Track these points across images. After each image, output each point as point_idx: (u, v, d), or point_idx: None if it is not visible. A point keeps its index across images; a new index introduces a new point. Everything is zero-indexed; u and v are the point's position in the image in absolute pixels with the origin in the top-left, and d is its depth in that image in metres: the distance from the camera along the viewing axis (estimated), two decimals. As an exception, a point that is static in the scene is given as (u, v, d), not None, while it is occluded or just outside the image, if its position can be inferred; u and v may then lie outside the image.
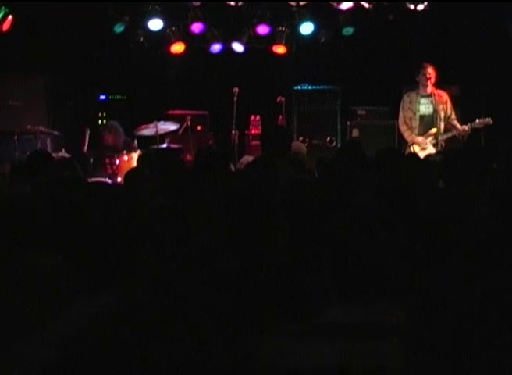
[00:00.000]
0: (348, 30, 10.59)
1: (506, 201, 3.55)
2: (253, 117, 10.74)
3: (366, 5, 9.70)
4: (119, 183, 7.02)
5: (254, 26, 10.65)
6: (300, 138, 10.43)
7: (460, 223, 3.65)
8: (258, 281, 2.81)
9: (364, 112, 10.79)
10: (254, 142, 10.16)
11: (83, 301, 2.00)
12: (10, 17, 9.38)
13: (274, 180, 4.53)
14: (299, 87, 10.89)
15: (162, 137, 9.32)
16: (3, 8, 9.23)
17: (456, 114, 8.86)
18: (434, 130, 8.69)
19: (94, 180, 6.95)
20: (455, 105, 9.01)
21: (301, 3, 9.69)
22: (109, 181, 7.48)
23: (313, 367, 1.91)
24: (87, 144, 9.18)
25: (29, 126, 9.35)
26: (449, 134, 8.69)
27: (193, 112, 10.43)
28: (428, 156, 7.71)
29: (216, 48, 10.83)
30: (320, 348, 1.92)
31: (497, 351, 1.27)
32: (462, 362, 1.27)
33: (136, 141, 9.07)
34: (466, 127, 8.61)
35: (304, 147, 9.06)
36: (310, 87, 10.92)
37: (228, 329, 1.52)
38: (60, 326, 1.83)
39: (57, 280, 2.12)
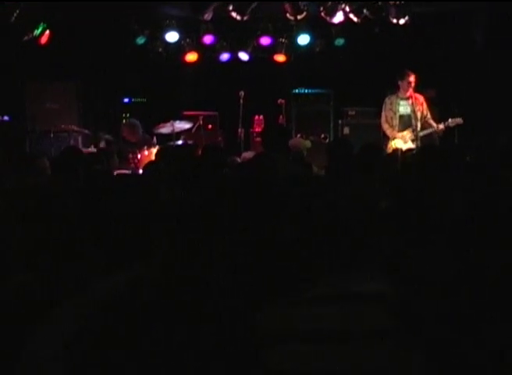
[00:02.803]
0: (339, 41, 10.56)
1: (476, 188, 3.52)
2: (257, 117, 10.72)
3: (355, 19, 9.63)
4: (139, 174, 7.00)
5: (257, 37, 10.63)
6: (298, 135, 10.41)
7: (437, 207, 3.62)
8: (263, 260, 2.79)
9: (353, 113, 10.76)
10: (257, 139, 10.14)
11: (102, 279, 1.98)
12: (48, 32, 9.35)
13: (273, 171, 4.50)
14: (297, 91, 10.87)
15: (178, 134, 9.30)
16: (42, 24, 9.22)
17: (431, 114, 8.86)
18: (406, 132, 8.70)
19: (118, 171, 6.92)
20: (431, 106, 8.99)
21: (299, 17, 9.64)
22: (129, 172, 7.49)
23: (313, 330, 1.90)
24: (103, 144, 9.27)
25: (63, 126, 9.38)
26: (426, 132, 8.70)
27: (205, 112, 10.41)
28: (409, 150, 7.69)
29: (225, 56, 10.81)
30: (319, 313, 1.92)
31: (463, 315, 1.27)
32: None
33: (155, 138, 9.07)
34: (441, 126, 8.62)
35: (304, 143, 8.99)
36: (306, 91, 10.89)
37: (238, 301, 1.50)
38: (81, 302, 1.81)
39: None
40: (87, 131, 9.73)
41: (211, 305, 1.19)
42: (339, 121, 10.64)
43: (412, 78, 8.60)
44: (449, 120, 8.62)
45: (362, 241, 2.06)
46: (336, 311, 1.92)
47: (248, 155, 7.73)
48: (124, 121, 9.85)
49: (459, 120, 8.62)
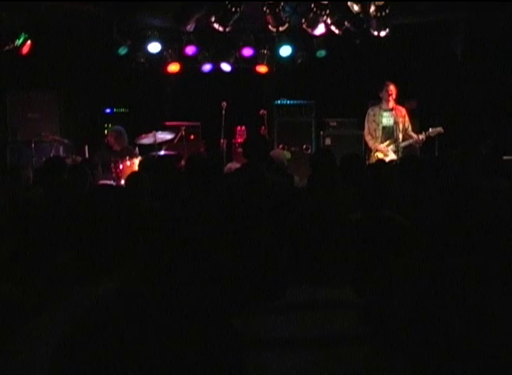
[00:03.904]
0: (321, 53, 10.65)
1: (456, 196, 3.56)
2: (239, 128, 10.74)
3: (336, 31, 9.70)
4: (121, 185, 6.98)
5: (239, 48, 10.67)
6: (280, 146, 10.44)
7: (417, 217, 3.66)
8: (244, 268, 2.80)
9: (335, 124, 10.80)
10: (239, 149, 10.14)
11: (83, 289, 1.98)
12: (29, 42, 9.34)
13: (260, 182, 4.52)
14: (279, 102, 10.90)
15: (160, 145, 9.30)
16: (23, 34, 9.19)
17: (412, 125, 8.95)
18: (388, 143, 8.78)
19: (100, 182, 6.91)
20: (412, 117, 9.08)
21: (281, 29, 9.70)
22: (113, 183, 7.46)
23: (293, 336, 1.92)
24: (87, 155, 9.25)
25: (43, 134, 9.27)
26: (407, 142, 8.77)
27: (187, 123, 10.42)
28: (391, 161, 7.76)
29: (207, 67, 10.84)
30: (292, 319, 1.94)
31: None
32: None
33: (137, 148, 9.05)
34: (422, 136, 8.69)
35: (284, 154, 9.03)
36: (288, 102, 10.93)
37: (220, 310, 1.51)
38: (66, 308, 1.81)
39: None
40: (67, 141, 9.68)
41: (193, 314, 1.20)
42: (321, 132, 10.69)
43: (391, 87, 8.69)
44: (430, 130, 8.71)
45: (336, 250, 2.09)
46: (312, 317, 1.94)
47: (233, 165, 7.73)
48: (108, 130, 9.81)
49: (439, 129, 8.71)
